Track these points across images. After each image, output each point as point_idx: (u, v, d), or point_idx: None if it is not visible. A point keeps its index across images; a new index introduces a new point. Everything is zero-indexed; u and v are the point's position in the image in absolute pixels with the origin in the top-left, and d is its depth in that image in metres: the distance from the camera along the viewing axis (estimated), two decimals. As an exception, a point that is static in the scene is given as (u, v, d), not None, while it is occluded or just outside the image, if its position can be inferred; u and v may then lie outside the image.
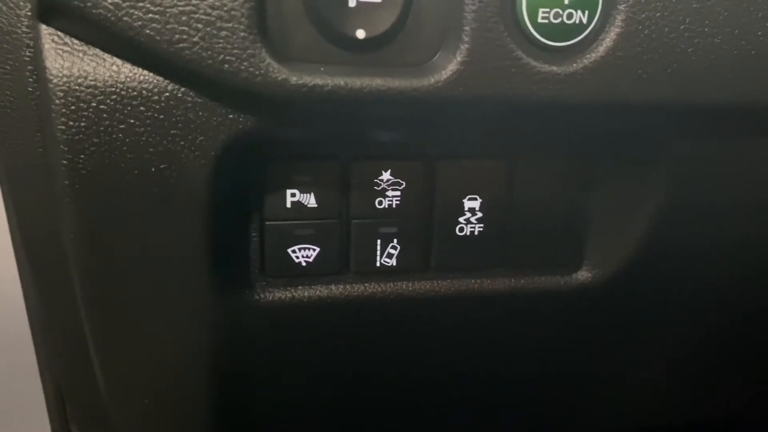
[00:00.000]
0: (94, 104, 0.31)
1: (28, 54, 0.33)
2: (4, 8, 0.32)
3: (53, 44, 0.31)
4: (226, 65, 0.30)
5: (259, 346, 0.41)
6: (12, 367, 0.49)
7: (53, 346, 0.44)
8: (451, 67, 0.31)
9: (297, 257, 0.39)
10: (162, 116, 0.32)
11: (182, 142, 0.32)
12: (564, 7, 0.31)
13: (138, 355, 0.39)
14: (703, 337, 0.46)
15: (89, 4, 0.29)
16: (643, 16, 0.32)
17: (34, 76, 0.33)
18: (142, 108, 0.31)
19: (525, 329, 0.43)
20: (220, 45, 0.30)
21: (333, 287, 0.40)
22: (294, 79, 0.30)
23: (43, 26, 0.31)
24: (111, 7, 0.29)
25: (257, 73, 0.30)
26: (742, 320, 0.46)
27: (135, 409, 0.42)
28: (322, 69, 0.31)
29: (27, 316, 0.45)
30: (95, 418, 0.45)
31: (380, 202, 0.39)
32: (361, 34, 0.30)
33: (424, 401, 0.46)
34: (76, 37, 0.31)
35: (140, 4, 0.29)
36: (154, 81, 0.31)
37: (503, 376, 0.45)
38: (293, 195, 0.38)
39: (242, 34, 0.30)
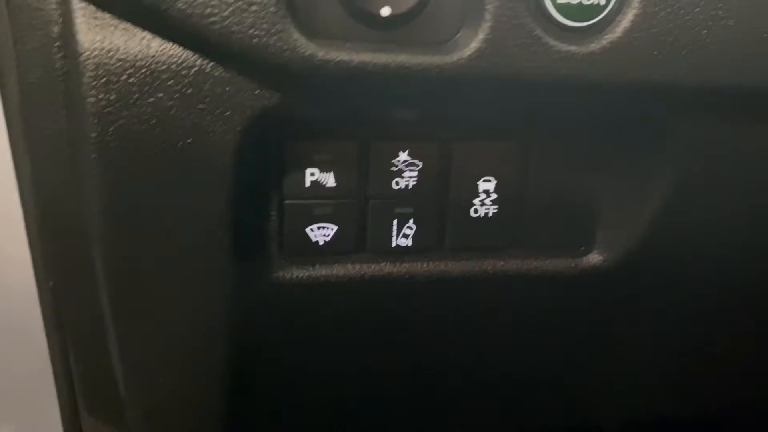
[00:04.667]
0: (124, 77, 0.32)
1: (56, 30, 0.34)
2: None
3: (85, 18, 0.32)
4: (255, 40, 0.31)
5: (277, 324, 0.41)
6: (23, 355, 0.49)
7: (65, 332, 0.44)
8: (473, 45, 0.32)
9: (315, 236, 0.40)
10: (190, 90, 0.32)
11: (209, 117, 0.33)
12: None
13: (156, 335, 0.40)
14: (713, 321, 0.47)
15: None
16: None
17: (62, 52, 0.34)
18: (170, 82, 0.32)
19: (537, 310, 0.44)
20: (250, 20, 0.30)
21: (350, 266, 0.40)
22: (321, 54, 0.31)
23: (76, 0, 0.32)
24: None
25: (285, 48, 0.31)
26: (755, 305, 0.47)
27: (150, 391, 0.42)
28: (348, 45, 0.32)
29: (39, 301, 0.45)
30: (106, 405, 0.45)
31: (397, 183, 0.40)
32: (386, 11, 0.31)
33: (438, 379, 0.46)
34: (108, 11, 0.32)
35: None
36: (184, 55, 0.32)
37: (515, 356, 0.46)
38: (312, 174, 0.39)
39: (271, 9, 0.30)
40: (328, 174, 0.39)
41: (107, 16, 0.32)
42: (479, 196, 0.41)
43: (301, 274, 0.40)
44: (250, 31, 0.30)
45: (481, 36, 0.31)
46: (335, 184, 0.39)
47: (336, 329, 0.42)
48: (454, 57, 0.32)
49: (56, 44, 0.34)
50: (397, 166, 0.39)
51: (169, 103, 0.33)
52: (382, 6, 0.31)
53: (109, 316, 0.39)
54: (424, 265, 0.41)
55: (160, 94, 0.32)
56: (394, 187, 0.40)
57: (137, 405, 0.43)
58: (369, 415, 0.47)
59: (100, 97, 0.32)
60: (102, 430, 0.49)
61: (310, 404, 0.46)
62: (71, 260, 0.39)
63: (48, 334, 0.47)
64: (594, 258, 0.42)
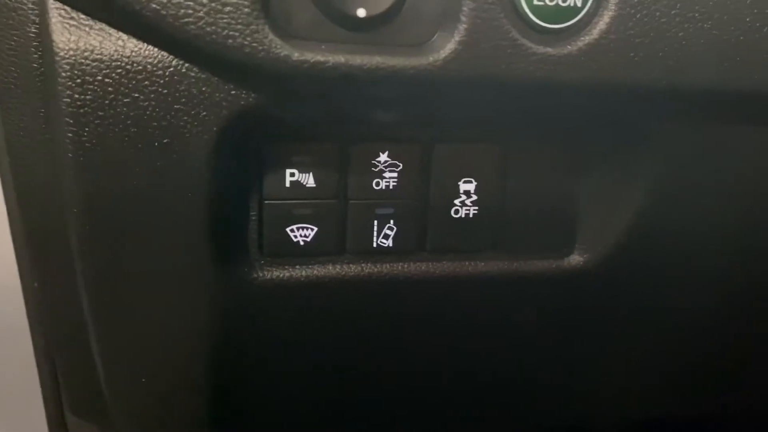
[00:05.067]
0: (99, 78, 0.32)
1: (33, 30, 0.34)
2: None
3: (60, 18, 0.32)
4: (230, 41, 0.31)
5: (257, 325, 0.41)
6: (8, 355, 0.49)
7: (50, 332, 0.44)
8: (449, 47, 0.31)
9: (295, 237, 0.40)
10: (166, 91, 0.32)
11: (185, 117, 0.33)
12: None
13: (136, 335, 0.40)
14: (694, 322, 0.47)
15: None
16: (636, 0, 0.33)
17: (39, 52, 0.34)
18: (146, 82, 0.32)
19: (517, 312, 0.44)
20: (224, 21, 0.30)
21: (330, 267, 0.40)
22: (296, 56, 0.31)
23: (51, 1, 0.32)
24: None
25: (260, 48, 0.31)
26: (735, 305, 0.47)
27: (132, 391, 0.42)
28: (323, 47, 0.32)
29: (24, 302, 0.45)
30: (91, 404, 0.45)
31: (377, 184, 0.39)
32: (361, 12, 0.31)
33: (418, 381, 0.46)
34: (83, 12, 0.32)
35: None
36: (159, 56, 0.32)
37: (495, 357, 0.46)
38: (292, 175, 0.38)
39: (246, 10, 0.30)
40: (308, 174, 0.39)
41: (82, 16, 0.32)
42: (460, 198, 0.41)
43: (282, 275, 0.40)
44: (225, 32, 0.30)
45: (456, 38, 0.31)
46: (315, 185, 0.39)
47: (316, 330, 0.42)
48: (430, 59, 0.32)
49: (33, 44, 0.34)
50: (377, 166, 0.39)
51: (145, 104, 0.32)
52: (358, 7, 0.31)
53: (90, 318, 0.39)
54: (405, 266, 0.41)
55: (136, 95, 0.32)
56: (375, 187, 0.40)
57: (120, 405, 0.43)
58: (350, 417, 0.47)
59: (75, 97, 0.32)
60: (87, 429, 0.49)
61: (290, 405, 0.46)
62: (55, 261, 0.39)
63: (33, 335, 0.47)
64: (574, 260, 0.42)
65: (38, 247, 0.39)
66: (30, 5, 0.33)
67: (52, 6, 0.32)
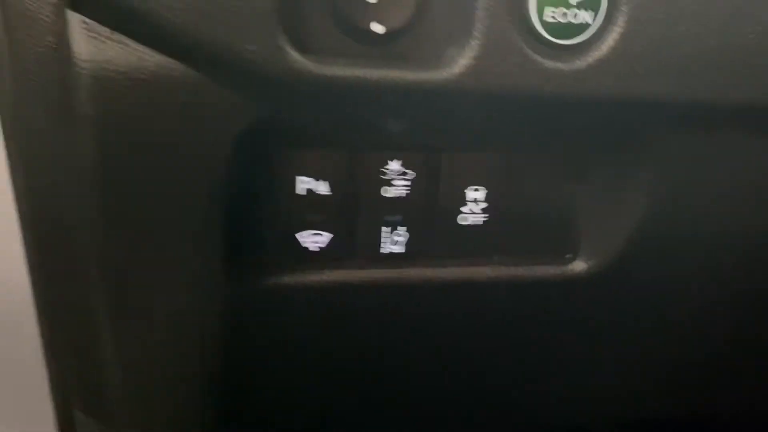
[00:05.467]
0: (117, 88, 0.32)
1: (52, 40, 0.34)
2: None
3: (80, 30, 0.32)
4: (249, 54, 0.31)
5: (268, 330, 0.42)
6: (16, 354, 0.50)
7: (59, 332, 0.45)
8: (463, 62, 0.32)
9: (306, 242, 0.40)
10: (183, 101, 0.33)
11: (202, 127, 0.34)
12: (570, 7, 0.33)
13: (146, 337, 0.40)
14: (698, 326, 0.49)
15: None
16: (645, 17, 0.34)
17: (58, 62, 0.34)
18: (165, 93, 0.33)
19: (522, 316, 0.45)
20: (244, 35, 0.31)
21: (340, 272, 0.41)
22: (314, 70, 0.32)
23: (71, 12, 0.32)
24: None
25: (278, 62, 0.31)
26: (739, 309, 0.48)
27: (141, 393, 0.43)
28: (340, 61, 0.32)
29: (33, 300, 0.45)
30: (100, 405, 0.46)
31: (387, 191, 0.40)
32: (378, 28, 0.32)
33: (425, 382, 0.47)
34: (103, 24, 0.32)
35: None
36: (178, 67, 0.33)
37: (501, 359, 0.47)
38: (304, 182, 0.39)
39: (265, 25, 0.31)
40: (319, 182, 0.39)
41: (102, 28, 0.32)
42: (467, 205, 0.42)
43: (292, 281, 0.40)
44: (245, 46, 0.31)
45: (469, 54, 0.32)
46: (326, 192, 0.40)
47: (326, 334, 0.43)
48: (445, 74, 0.32)
49: (52, 54, 0.34)
50: (387, 174, 0.40)
51: (163, 113, 0.33)
52: (376, 23, 0.32)
53: (100, 317, 0.40)
54: (413, 272, 0.42)
55: (155, 105, 0.33)
56: (385, 195, 0.40)
57: (129, 405, 0.44)
58: (359, 419, 0.48)
59: (93, 107, 0.32)
60: (95, 429, 0.50)
61: (299, 408, 0.47)
62: (65, 261, 0.39)
63: (42, 333, 0.47)
64: (579, 265, 0.44)
65: (49, 248, 0.40)
66: (50, 16, 0.34)
67: (73, 18, 0.32)
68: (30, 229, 0.40)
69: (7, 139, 0.38)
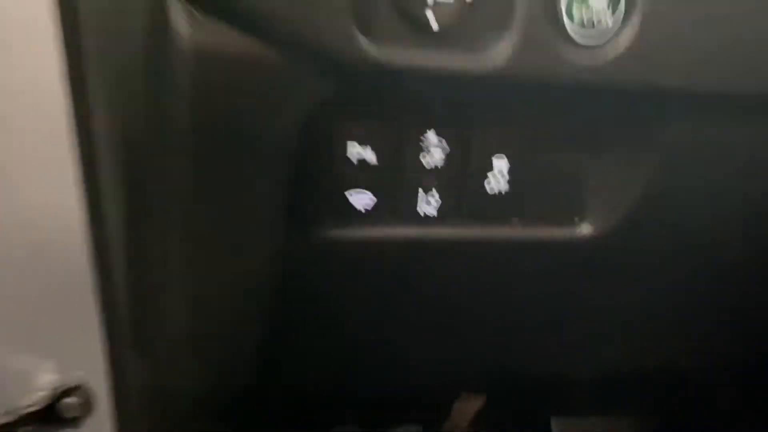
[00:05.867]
0: (211, 65, 0.38)
1: (148, 20, 0.40)
2: None
3: (180, 14, 0.38)
4: (324, 40, 0.37)
5: (319, 280, 0.49)
6: (68, 292, 0.50)
7: (113, 273, 0.50)
8: (506, 55, 0.39)
9: (355, 202, 0.47)
10: (266, 79, 0.39)
11: (278, 104, 0.40)
12: (593, 8, 0.40)
13: (211, 285, 0.46)
14: (700, 287, 0.56)
15: None
16: (660, 14, 0.40)
17: (155, 44, 0.40)
18: (252, 72, 0.39)
19: (537, 273, 0.52)
20: (322, 24, 0.37)
21: (383, 229, 0.48)
22: (383, 57, 0.38)
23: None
24: None
25: (352, 50, 0.37)
26: (741, 272, 0.55)
27: (200, 339, 0.47)
28: (401, 49, 0.38)
29: (87, 238, 0.49)
30: (151, 345, 0.50)
31: (425, 158, 0.47)
32: (434, 24, 0.38)
33: (453, 328, 0.55)
34: (200, 8, 0.38)
35: None
36: (264, 50, 0.38)
37: (517, 314, 0.54)
38: (354, 148, 0.45)
39: (340, 16, 0.37)
40: (367, 148, 0.46)
41: (197, 12, 0.38)
42: (493, 172, 0.48)
43: (343, 235, 0.47)
44: (321, 33, 0.37)
45: (511, 49, 0.39)
46: (374, 158, 0.46)
47: (368, 286, 0.50)
48: (489, 65, 0.39)
49: (148, 36, 0.40)
50: (425, 143, 0.46)
51: (248, 91, 0.39)
52: (432, 19, 0.38)
53: (171, 264, 0.46)
54: (444, 231, 0.49)
55: (242, 84, 0.39)
56: (423, 162, 0.47)
57: (185, 351, 0.48)
58: (389, 362, 0.55)
59: (192, 87, 0.38)
60: (145, 370, 0.52)
61: (348, 357, 0.54)
62: (143, 206, 0.44)
63: (94, 272, 0.49)
64: (586, 228, 0.51)
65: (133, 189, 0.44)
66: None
67: (174, 4, 0.38)
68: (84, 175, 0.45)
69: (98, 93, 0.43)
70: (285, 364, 0.53)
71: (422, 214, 0.48)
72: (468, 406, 0.77)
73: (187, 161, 0.41)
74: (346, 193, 0.47)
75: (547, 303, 0.54)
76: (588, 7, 0.39)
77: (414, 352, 0.56)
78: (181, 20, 0.38)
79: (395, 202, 0.48)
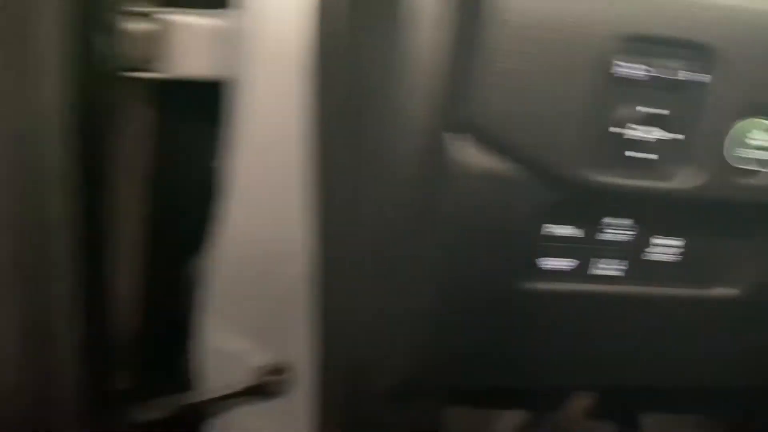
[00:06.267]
0: (473, 185, 0.55)
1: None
2: None
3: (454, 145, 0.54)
4: (563, 168, 0.54)
5: (507, 314, 0.60)
6: (281, 282, 0.58)
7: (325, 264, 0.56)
8: (692, 182, 0.55)
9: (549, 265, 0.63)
10: (508, 192, 0.55)
11: (516, 209, 0.56)
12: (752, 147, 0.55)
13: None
14: None
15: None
16: None
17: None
18: (498, 187, 0.55)
19: (684, 325, 0.66)
20: (561, 156, 0.53)
21: (572, 286, 0.63)
22: (607, 182, 0.54)
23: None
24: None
25: (575, 176, 0.54)
26: None
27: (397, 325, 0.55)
28: (613, 173, 0.55)
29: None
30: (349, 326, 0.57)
31: (603, 234, 0.62)
32: (640, 156, 0.55)
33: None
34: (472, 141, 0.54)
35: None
36: (511, 170, 0.54)
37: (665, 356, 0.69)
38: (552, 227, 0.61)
39: (574, 150, 0.53)
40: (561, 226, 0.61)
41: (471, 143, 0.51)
42: (660, 247, 0.63)
43: (538, 288, 0.63)
44: (563, 161, 0.53)
45: (692, 180, 0.55)
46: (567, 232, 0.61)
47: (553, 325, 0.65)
48: (677, 186, 0.55)
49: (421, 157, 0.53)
50: (602, 226, 0.62)
51: (494, 201, 0.55)
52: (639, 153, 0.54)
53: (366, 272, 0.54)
54: (614, 288, 0.64)
55: (491, 196, 0.55)
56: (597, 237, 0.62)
57: (386, 330, 0.55)
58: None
59: (456, 196, 0.53)
60: (345, 354, 0.58)
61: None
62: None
63: (305, 263, 0.56)
64: (726, 291, 0.65)
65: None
66: None
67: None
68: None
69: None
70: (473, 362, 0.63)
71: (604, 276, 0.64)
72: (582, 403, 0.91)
73: (441, 249, 0.58)
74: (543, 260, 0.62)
75: (693, 352, 0.68)
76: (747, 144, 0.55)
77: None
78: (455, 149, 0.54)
79: (581, 267, 0.63)
